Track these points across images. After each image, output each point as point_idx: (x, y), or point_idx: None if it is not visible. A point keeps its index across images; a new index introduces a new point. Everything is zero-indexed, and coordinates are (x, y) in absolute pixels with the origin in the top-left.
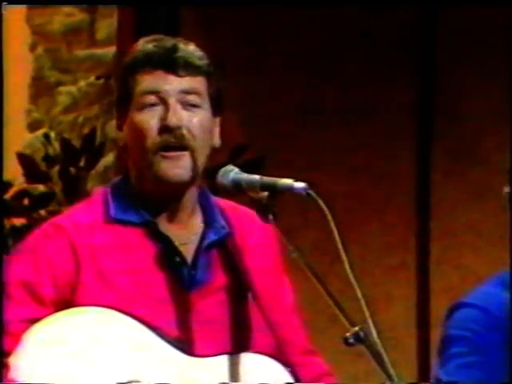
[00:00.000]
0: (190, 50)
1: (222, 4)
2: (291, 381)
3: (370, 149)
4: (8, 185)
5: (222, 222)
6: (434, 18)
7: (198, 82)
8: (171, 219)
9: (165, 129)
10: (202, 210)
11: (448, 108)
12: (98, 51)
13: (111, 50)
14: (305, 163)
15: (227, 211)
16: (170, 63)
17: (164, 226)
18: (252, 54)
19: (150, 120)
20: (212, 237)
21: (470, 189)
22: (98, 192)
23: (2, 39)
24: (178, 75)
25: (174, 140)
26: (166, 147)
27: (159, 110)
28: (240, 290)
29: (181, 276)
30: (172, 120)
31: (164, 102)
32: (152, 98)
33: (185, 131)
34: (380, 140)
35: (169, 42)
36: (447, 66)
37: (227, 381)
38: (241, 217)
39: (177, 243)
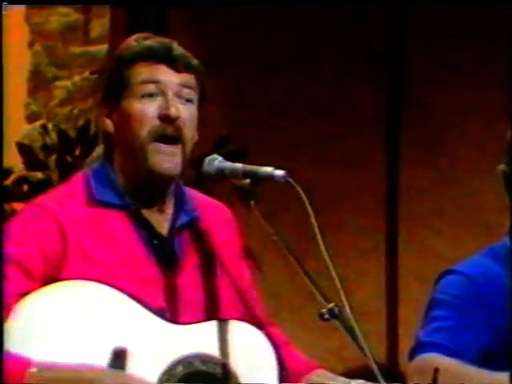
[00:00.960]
0: (183, 49)
1: (210, 5)
2: (268, 343)
3: (345, 140)
4: (8, 172)
5: (192, 206)
6: (401, 17)
7: (192, 78)
8: (151, 204)
9: (165, 118)
10: (174, 195)
11: (415, 102)
12: (92, 48)
13: (104, 47)
14: (284, 153)
15: (193, 197)
16: (171, 58)
17: (144, 209)
18: (236, 52)
19: (148, 108)
20: (184, 218)
21: (435, 177)
22: (78, 176)
23: (1, 39)
24: (177, 70)
25: (171, 129)
26: (163, 136)
27: (158, 100)
28: (210, 267)
29: (158, 255)
30: (172, 110)
31: (163, 93)
32: (152, 88)
33: (181, 123)
34: (353, 132)
35: (163, 40)
36: (414, 63)
37: (209, 344)
38: (205, 203)
39: (155, 225)
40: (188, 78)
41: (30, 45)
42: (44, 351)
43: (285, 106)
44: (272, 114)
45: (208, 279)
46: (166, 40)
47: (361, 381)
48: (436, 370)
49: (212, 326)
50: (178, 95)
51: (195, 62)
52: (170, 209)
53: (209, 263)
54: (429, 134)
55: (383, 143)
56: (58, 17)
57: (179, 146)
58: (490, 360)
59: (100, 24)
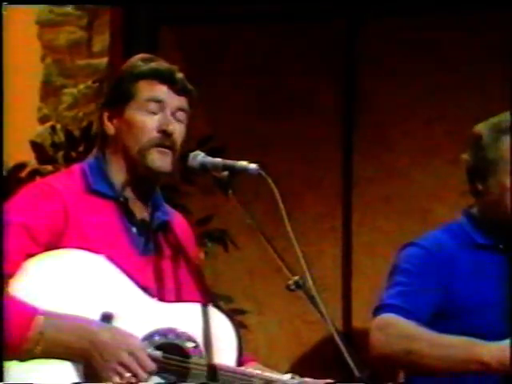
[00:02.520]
0: (182, 75)
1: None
2: (234, 330)
3: (307, 139)
4: (23, 166)
5: (166, 209)
6: (355, 29)
7: (186, 102)
8: (137, 199)
9: (164, 132)
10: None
11: (365, 107)
12: (94, 61)
13: (104, 60)
14: (257, 149)
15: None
16: (174, 82)
17: (131, 202)
18: (216, 65)
19: (149, 121)
20: (161, 217)
21: (382, 168)
22: (76, 167)
23: (2, 39)
24: (176, 92)
25: (167, 142)
26: (160, 146)
27: (158, 116)
28: (177, 259)
29: (138, 243)
30: (170, 127)
31: (163, 110)
32: (154, 105)
33: (175, 137)
34: (315, 133)
35: (165, 63)
36: (366, 69)
37: (184, 322)
38: (170, 211)
39: (138, 217)
40: (184, 101)
41: (42, 58)
42: (44, 305)
43: (257, 110)
44: (247, 116)
45: (178, 269)
46: (166, 64)
47: (289, 375)
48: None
49: (189, 307)
50: (173, 115)
51: (190, 86)
52: (150, 207)
53: (178, 257)
54: (376, 133)
55: (339, 142)
56: (66, 34)
57: (171, 152)
58: (440, 320)
59: (101, 40)
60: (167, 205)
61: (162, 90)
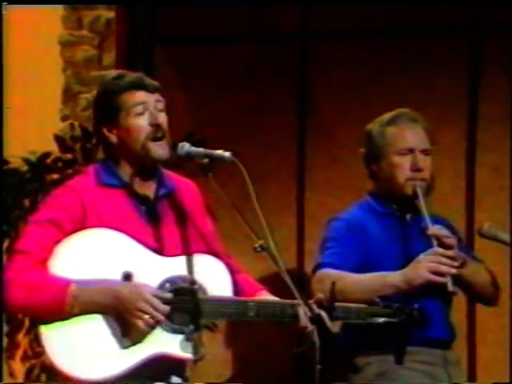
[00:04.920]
0: (149, 78)
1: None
2: (226, 270)
3: (270, 132)
4: (49, 154)
5: (169, 182)
6: (308, 49)
7: (159, 95)
8: (143, 182)
9: (156, 126)
10: (156, 175)
11: (315, 106)
12: (104, 73)
13: (112, 72)
14: (231, 141)
15: (170, 176)
16: (146, 86)
17: (136, 186)
18: (200, 74)
19: (141, 121)
20: (163, 190)
21: (327, 156)
22: (90, 167)
23: (2, 39)
24: (150, 92)
25: (160, 133)
26: (156, 137)
27: (146, 114)
28: (183, 222)
29: (147, 216)
30: (160, 120)
31: (148, 109)
32: (140, 108)
33: (163, 126)
34: (275, 127)
35: (135, 74)
36: (316, 80)
37: (187, 270)
38: (178, 179)
39: (143, 196)
40: (158, 95)
41: (64, 71)
42: (77, 274)
43: (231, 111)
44: (223, 116)
45: (182, 230)
46: (135, 74)
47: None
48: (333, 283)
49: (189, 257)
50: (156, 108)
51: (158, 84)
52: (154, 184)
53: (182, 219)
54: (323, 129)
55: (295, 135)
56: (82, 52)
57: (165, 140)
58: (360, 273)
59: (109, 56)
60: (177, 175)
61: (141, 95)
